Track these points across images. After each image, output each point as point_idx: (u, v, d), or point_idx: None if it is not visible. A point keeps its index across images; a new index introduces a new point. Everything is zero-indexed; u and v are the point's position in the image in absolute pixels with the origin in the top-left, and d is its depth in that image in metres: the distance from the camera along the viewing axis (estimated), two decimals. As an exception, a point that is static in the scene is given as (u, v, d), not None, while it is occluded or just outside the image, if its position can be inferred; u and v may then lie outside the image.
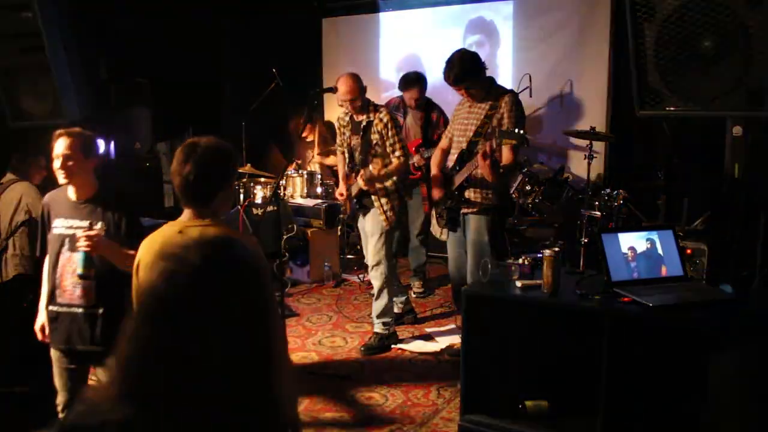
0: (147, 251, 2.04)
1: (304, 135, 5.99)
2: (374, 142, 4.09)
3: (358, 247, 5.37)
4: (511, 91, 3.87)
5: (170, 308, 0.99)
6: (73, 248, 2.66)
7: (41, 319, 2.78)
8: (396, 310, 4.43)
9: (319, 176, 6.03)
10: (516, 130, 3.38)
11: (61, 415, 2.71)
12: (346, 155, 4.35)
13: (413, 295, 5.17)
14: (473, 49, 4.80)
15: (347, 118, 4.30)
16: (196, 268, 1.01)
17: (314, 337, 4.49)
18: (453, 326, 4.49)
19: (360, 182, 4.09)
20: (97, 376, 2.84)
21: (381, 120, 4.08)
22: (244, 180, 5.69)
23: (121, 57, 5.59)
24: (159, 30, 5.87)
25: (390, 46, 6.71)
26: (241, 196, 5.55)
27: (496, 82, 3.86)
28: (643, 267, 2.82)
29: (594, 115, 5.48)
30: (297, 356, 4.09)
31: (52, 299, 2.72)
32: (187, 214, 1.93)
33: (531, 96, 5.53)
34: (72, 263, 2.64)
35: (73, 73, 3.55)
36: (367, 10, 6.80)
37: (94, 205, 2.68)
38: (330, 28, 7.07)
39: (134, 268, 2.08)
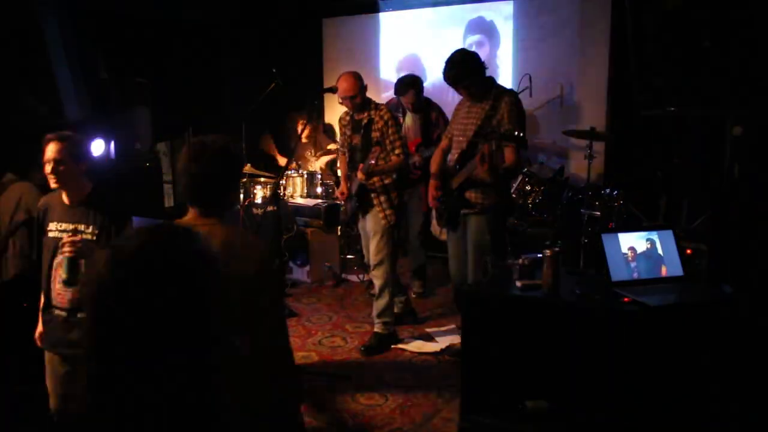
0: None
1: (304, 135, 5.99)
2: (375, 140, 4.09)
3: (358, 247, 5.37)
4: (511, 90, 3.87)
5: (104, 295, 0.98)
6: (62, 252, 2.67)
7: (40, 325, 2.79)
8: (396, 310, 4.43)
9: (320, 176, 6.04)
10: (515, 133, 3.37)
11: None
12: (348, 155, 4.35)
13: (413, 296, 5.17)
14: (473, 49, 4.80)
15: (348, 118, 4.30)
16: (131, 256, 0.99)
17: (314, 337, 4.49)
18: (453, 326, 4.49)
19: (359, 175, 4.09)
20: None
21: (381, 118, 4.09)
22: (244, 180, 5.69)
23: (121, 57, 5.59)
24: (159, 30, 5.87)
25: (390, 46, 6.71)
26: (241, 196, 5.55)
27: (496, 82, 3.86)
28: (643, 267, 2.82)
29: (594, 115, 5.48)
30: (297, 356, 4.09)
31: (47, 302, 2.74)
32: (192, 213, 1.93)
33: (531, 96, 5.53)
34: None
35: (73, 73, 3.55)
36: (367, 10, 6.80)
37: (86, 207, 2.69)
38: (330, 28, 7.07)
39: None
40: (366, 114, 4.14)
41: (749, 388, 2.58)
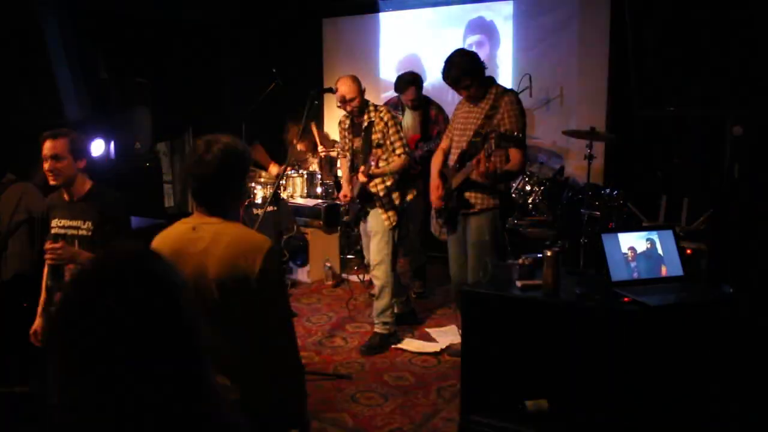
0: (159, 248, 2.04)
1: (300, 145, 6.00)
2: (376, 142, 4.09)
3: (358, 247, 5.37)
4: (512, 90, 3.87)
5: (66, 312, 0.97)
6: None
7: (37, 323, 2.79)
8: (396, 310, 4.43)
9: (319, 176, 6.04)
10: (515, 134, 3.37)
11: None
12: (349, 158, 4.35)
13: (413, 296, 5.17)
14: (473, 49, 4.80)
15: (348, 121, 4.30)
16: (90, 276, 0.99)
17: (314, 337, 4.49)
18: (453, 326, 4.49)
19: (361, 178, 4.08)
20: None
21: (381, 119, 4.08)
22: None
23: (121, 57, 5.59)
24: (159, 30, 5.87)
25: (390, 46, 6.71)
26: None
27: (496, 82, 3.86)
28: (643, 267, 2.82)
29: (594, 115, 5.48)
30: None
31: (49, 300, 2.74)
32: (199, 211, 1.94)
33: (531, 96, 5.54)
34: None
35: (73, 73, 3.55)
36: (367, 10, 6.80)
37: (85, 204, 2.70)
38: (330, 28, 7.07)
39: None
40: (366, 117, 4.14)
41: (749, 388, 2.58)
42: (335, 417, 3.41)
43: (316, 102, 3.82)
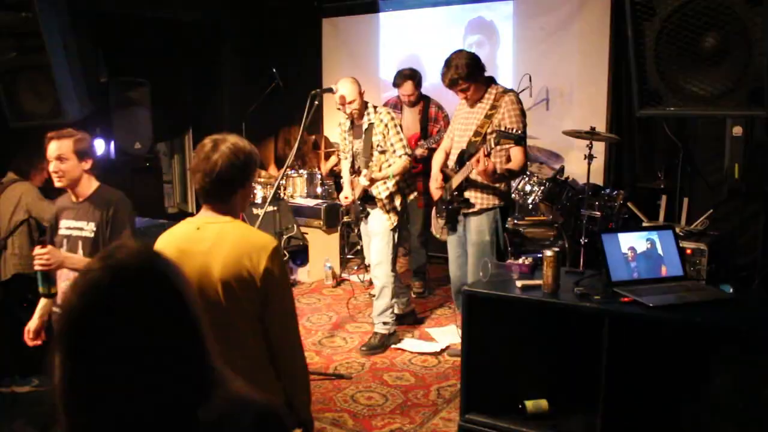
0: (164, 248, 2.04)
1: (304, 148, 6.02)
2: (377, 143, 4.09)
3: (359, 247, 5.37)
4: (512, 90, 3.87)
5: (72, 322, 0.96)
6: (71, 248, 2.68)
7: (32, 323, 2.79)
8: (396, 310, 4.43)
9: (320, 176, 6.04)
10: (514, 131, 3.37)
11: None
12: (350, 160, 4.35)
13: (413, 296, 5.17)
14: (473, 49, 4.80)
15: (348, 123, 4.29)
16: (94, 279, 0.97)
17: (314, 337, 4.49)
18: (453, 326, 4.49)
19: (363, 180, 4.08)
20: None
21: (381, 120, 4.08)
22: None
23: (121, 57, 5.59)
24: (159, 30, 5.88)
25: (390, 46, 6.71)
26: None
27: (497, 82, 3.86)
28: (643, 267, 2.82)
29: (594, 115, 5.48)
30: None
31: (44, 305, 2.76)
32: (205, 210, 1.94)
33: (531, 96, 5.53)
34: None
35: (73, 73, 3.55)
36: (367, 10, 6.80)
37: (89, 204, 2.70)
38: (330, 28, 7.07)
39: None
40: (366, 118, 4.14)
41: (749, 388, 2.58)
42: (335, 417, 3.41)
43: (317, 103, 3.81)
